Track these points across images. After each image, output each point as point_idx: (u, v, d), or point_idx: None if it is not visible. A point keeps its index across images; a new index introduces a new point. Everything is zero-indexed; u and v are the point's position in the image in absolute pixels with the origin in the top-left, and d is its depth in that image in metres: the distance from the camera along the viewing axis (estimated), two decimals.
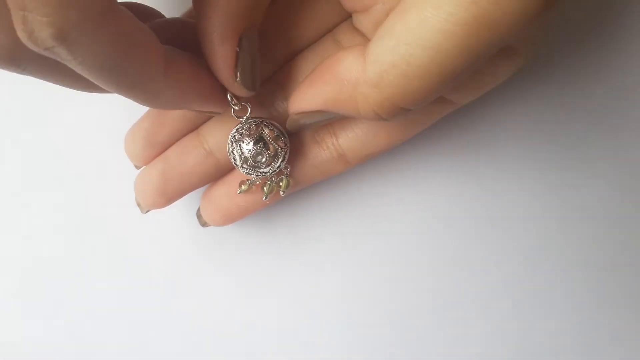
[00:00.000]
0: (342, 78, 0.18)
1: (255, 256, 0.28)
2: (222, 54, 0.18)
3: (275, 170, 0.22)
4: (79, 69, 0.15)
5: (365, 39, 0.21)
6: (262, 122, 0.21)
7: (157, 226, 0.27)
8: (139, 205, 0.24)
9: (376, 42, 0.17)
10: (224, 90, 0.20)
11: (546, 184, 0.28)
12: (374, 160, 0.27)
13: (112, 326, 0.27)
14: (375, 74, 0.17)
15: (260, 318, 0.28)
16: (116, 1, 0.15)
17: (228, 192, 0.23)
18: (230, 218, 0.24)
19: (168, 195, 0.23)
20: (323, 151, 0.23)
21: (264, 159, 0.21)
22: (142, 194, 0.23)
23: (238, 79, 0.19)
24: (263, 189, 0.23)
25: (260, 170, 0.21)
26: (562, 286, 0.28)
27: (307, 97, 0.20)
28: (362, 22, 0.21)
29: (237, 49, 0.18)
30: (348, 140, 0.23)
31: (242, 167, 0.21)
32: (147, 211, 0.24)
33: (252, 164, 0.21)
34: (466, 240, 0.28)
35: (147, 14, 0.21)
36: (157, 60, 0.17)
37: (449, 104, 0.22)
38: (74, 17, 0.13)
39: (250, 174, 0.22)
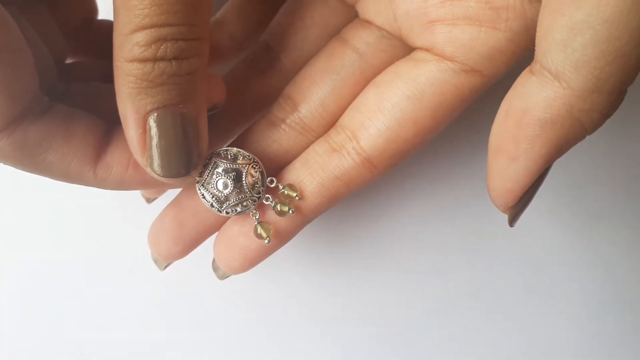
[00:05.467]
0: (551, 118, 0.15)
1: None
2: (128, 136, 0.16)
3: (261, 186, 0.19)
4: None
5: (377, 29, 0.20)
6: (212, 156, 0.19)
7: None
8: (156, 261, 0.22)
9: (559, 51, 0.15)
10: None
11: (548, 184, 0.27)
12: None
13: (111, 329, 0.28)
14: (588, 79, 0.14)
15: (262, 322, 0.28)
16: (25, 115, 0.16)
17: (241, 229, 0.20)
18: (251, 260, 0.20)
19: (185, 241, 0.21)
20: (344, 158, 0.19)
21: (244, 184, 0.19)
22: (156, 246, 0.21)
23: (148, 164, 0.16)
24: (276, 207, 0.19)
25: (255, 195, 0.19)
26: (564, 287, 0.28)
27: (520, 173, 0.17)
28: (368, 8, 0.20)
29: (145, 131, 0.16)
30: (371, 138, 0.19)
31: (232, 209, 0.19)
32: (166, 266, 0.22)
33: (240, 197, 0.19)
34: (467, 241, 0.27)
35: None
36: (81, 162, 0.17)
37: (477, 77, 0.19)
38: None
39: (249, 208, 0.19)
